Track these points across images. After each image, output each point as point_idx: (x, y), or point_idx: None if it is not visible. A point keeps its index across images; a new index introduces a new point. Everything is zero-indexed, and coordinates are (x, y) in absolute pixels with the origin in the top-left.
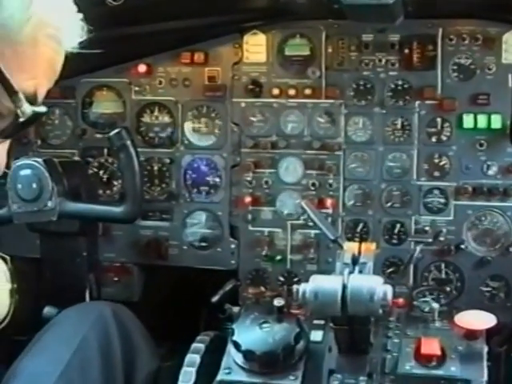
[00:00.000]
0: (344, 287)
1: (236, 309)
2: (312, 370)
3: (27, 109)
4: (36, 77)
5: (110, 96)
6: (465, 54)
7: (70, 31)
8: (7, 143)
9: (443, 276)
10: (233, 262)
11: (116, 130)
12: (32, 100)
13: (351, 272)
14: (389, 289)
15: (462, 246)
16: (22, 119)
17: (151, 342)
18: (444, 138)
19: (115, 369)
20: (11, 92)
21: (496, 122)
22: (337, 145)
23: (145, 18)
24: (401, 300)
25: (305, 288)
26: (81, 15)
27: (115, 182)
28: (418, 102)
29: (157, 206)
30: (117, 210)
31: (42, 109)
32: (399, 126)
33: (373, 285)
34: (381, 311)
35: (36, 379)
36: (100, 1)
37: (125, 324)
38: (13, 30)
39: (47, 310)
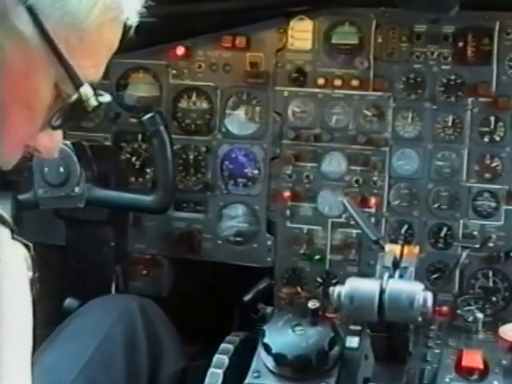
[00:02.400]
0: (382, 292)
1: (270, 309)
2: (346, 377)
3: (92, 99)
4: (98, 64)
5: (146, 79)
6: None
7: (130, 9)
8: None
9: (490, 284)
10: (269, 259)
11: (149, 115)
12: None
13: (391, 276)
14: (429, 296)
15: None
16: (88, 108)
17: (178, 339)
18: (497, 138)
19: (139, 366)
20: (77, 82)
21: None
22: (383, 140)
23: None
24: (444, 308)
25: (340, 290)
26: None
27: (148, 170)
28: (470, 99)
29: (191, 196)
30: (147, 198)
31: (107, 98)
32: (450, 124)
33: (412, 291)
34: (420, 319)
35: (56, 373)
36: None
37: (152, 320)
38: (80, 18)
39: (68, 302)
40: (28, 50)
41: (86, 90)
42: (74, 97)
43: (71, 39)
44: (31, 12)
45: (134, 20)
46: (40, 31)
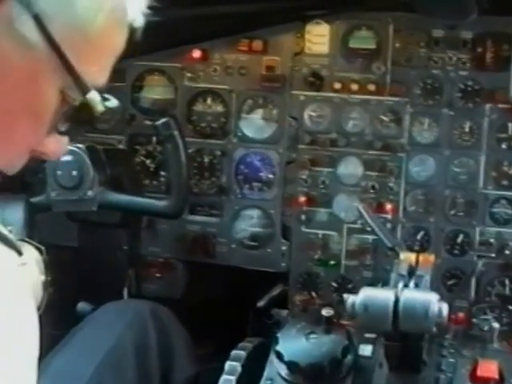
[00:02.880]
0: (396, 301)
1: (284, 313)
2: None
3: (98, 104)
4: (104, 67)
5: (161, 81)
6: None
7: (135, 11)
8: None
9: (507, 292)
10: (283, 264)
11: (163, 120)
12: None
13: (406, 285)
14: (444, 306)
15: None
16: (95, 113)
17: (191, 345)
18: None
19: (151, 371)
20: (83, 88)
21: None
22: (400, 146)
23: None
24: (460, 315)
25: (354, 300)
26: None
27: (162, 173)
28: (488, 105)
29: (206, 200)
30: (160, 203)
31: (114, 103)
32: (467, 130)
33: (427, 301)
34: (435, 329)
35: (67, 376)
36: None
37: (164, 325)
38: (86, 23)
39: (81, 306)
40: (34, 57)
41: (93, 95)
42: (80, 102)
43: (77, 45)
44: (37, 19)
45: (139, 22)
46: (46, 38)
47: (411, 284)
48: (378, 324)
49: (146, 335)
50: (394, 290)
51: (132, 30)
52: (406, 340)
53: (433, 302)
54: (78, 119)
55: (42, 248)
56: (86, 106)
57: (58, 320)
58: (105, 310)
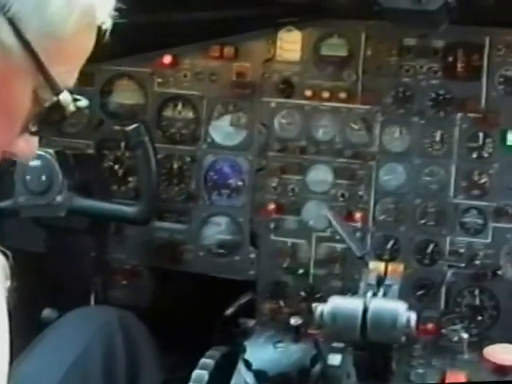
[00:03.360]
0: (365, 311)
1: (251, 323)
2: None
3: (70, 104)
4: (74, 69)
5: (130, 86)
6: None
7: (104, 13)
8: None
9: (477, 303)
10: (251, 272)
11: (133, 126)
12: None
13: (375, 294)
14: (413, 316)
15: (499, 272)
16: (66, 114)
17: (157, 352)
18: (485, 155)
19: (118, 378)
20: (56, 89)
21: None
22: (370, 154)
23: (174, 5)
24: (429, 326)
25: (323, 309)
26: None
27: (131, 178)
28: (459, 114)
29: (174, 206)
30: (129, 209)
31: (85, 102)
32: (438, 139)
33: (396, 310)
34: (403, 339)
35: None
36: None
37: (131, 333)
38: (58, 26)
39: (46, 313)
40: (8, 59)
41: (65, 96)
42: (52, 102)
43: (50, 47)
44: (12, 23)
45: (108, 24)
46: (21, 41)
47: (380, 293)
48: (346, 333)
49: (113, 342)
50: (362, 299)
51: (100, 33)
52: (374, 349)
53: (401, 311)
54: (48, 120)
55: (8, 253)
56: (57, 107)
57: (22, 327)
58: (70, 317)
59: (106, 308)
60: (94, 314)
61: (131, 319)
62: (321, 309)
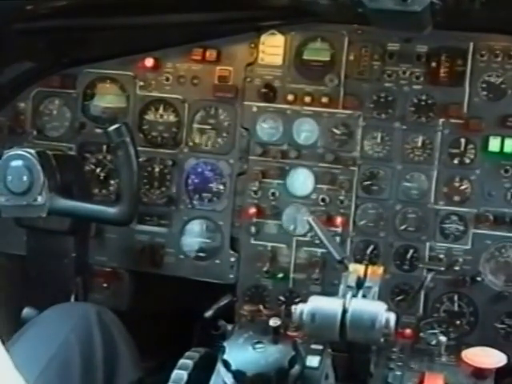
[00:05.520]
0: (344, 311)
1: (230, 326)
2: None
3: None
4: None
5: (112, 89)
6: (496, 72)
7: None
8: None
9: (456, 308)
10: (231, 275)
11: (115, 126)
12: None
13: (354, 296)
14: (392, 316)
15: (478, 278)
16: None
17: (135, 349)
18: (467, 161)
19: (96, 375)
20: None
21: None
22: (351, 159)
23: (156, 7)
24: (407, 331)
25: (302, 308)
26: None
27: (112, 182)
28: (441, 120)
29: (155, 210)
30: (110, 210)
31: None
32: (420, 144)
33: (375, 311)
34: (382, 340)
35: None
36: None
37: (108, 328)
38: None
39: (26, 312)
40: None
41: None
42: None
43: None
44: None
45: None
46: None
47: (359, 295)
48: (325, 334)
49: (91, 338)
50: (342, 300)
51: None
52: (353, 351)
53: (380, 311)
54: None
55: None
56: None
57: (2, 326)
58: (49, 313)
59: (84, 304)
60: (73, 309)
61: (109, 315)
62: (301, 308)
